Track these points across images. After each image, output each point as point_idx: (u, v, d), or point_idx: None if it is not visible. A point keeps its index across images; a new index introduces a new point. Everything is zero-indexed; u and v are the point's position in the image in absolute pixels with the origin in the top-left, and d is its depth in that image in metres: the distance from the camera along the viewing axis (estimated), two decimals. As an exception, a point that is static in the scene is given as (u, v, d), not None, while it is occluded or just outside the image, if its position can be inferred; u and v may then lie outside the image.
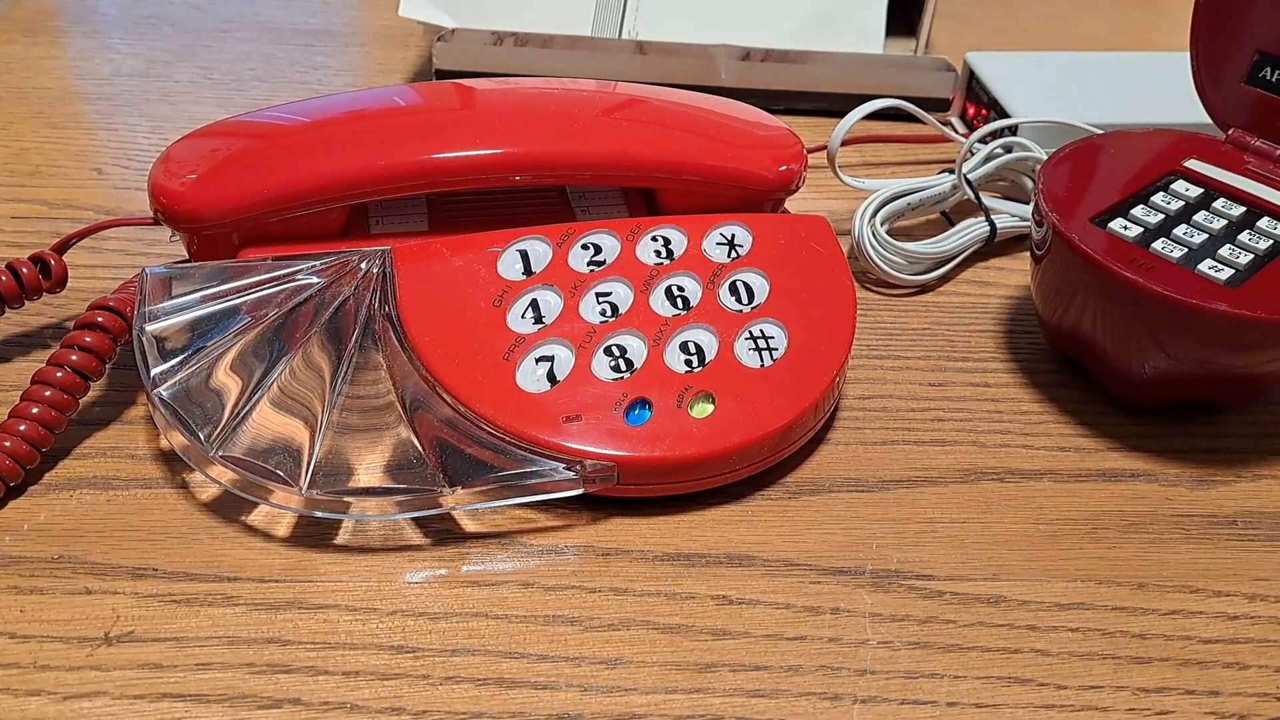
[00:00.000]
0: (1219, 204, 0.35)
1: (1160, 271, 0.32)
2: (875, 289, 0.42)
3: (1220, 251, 0.33)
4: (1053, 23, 0.67)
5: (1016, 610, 0.29)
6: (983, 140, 0.45)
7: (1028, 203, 0.44)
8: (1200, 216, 0.35)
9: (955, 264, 0.42)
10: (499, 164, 0.35)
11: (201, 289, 0.33)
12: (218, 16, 0.61)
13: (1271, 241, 0.33)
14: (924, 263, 0.41)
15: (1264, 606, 0.30)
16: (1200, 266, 0.32)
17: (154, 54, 0.57)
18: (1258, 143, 0.37)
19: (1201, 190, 0.36)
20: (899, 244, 0.40)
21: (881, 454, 0.34)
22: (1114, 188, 0.36)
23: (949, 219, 0.43)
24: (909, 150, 0.51)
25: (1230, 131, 0.38)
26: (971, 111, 0.53)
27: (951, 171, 0.42)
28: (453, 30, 0.52)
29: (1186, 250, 0.33)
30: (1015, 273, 0.43)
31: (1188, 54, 0.38)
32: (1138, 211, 0.35)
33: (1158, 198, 0.35)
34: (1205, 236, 0.34)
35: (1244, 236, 0.34)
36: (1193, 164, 0.36)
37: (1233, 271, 0.32)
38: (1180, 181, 0.36)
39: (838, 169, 0.43)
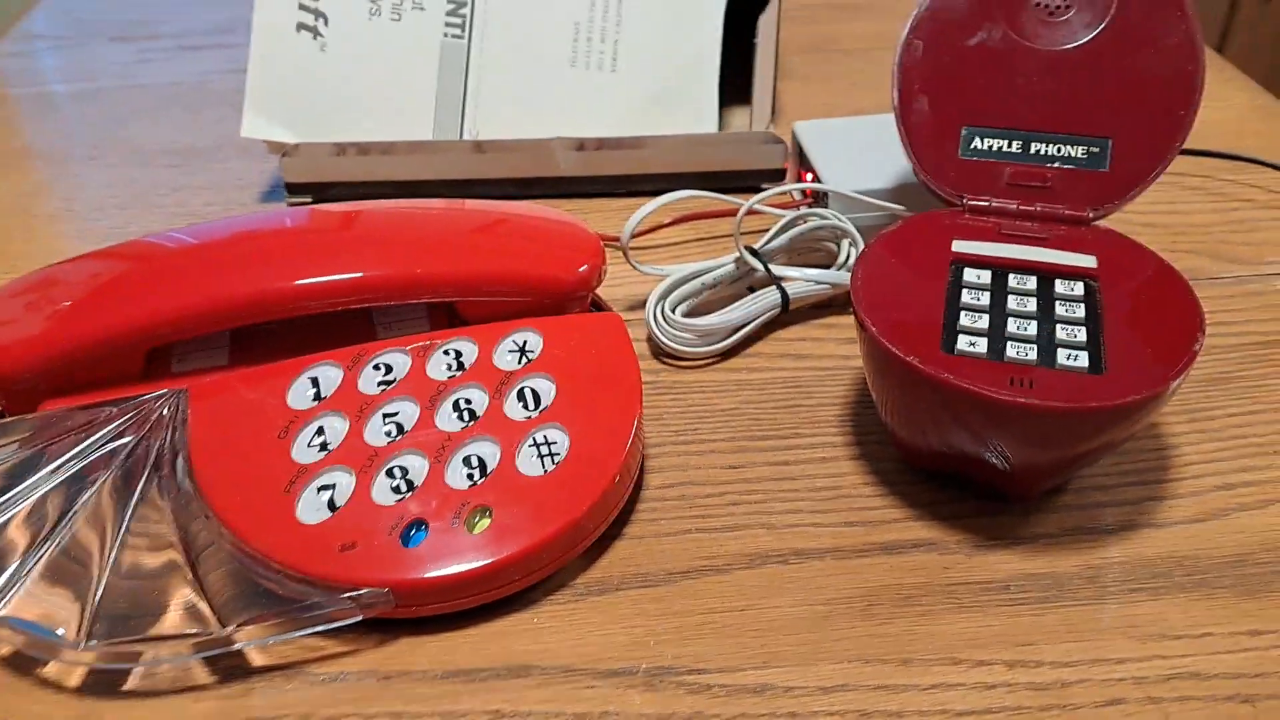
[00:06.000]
0: (1013, 282, 0.36)
1: (1040, 384, 0.31)
2: (689, 369, 0.43)
3: (1059, 336, 0.33)
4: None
5: (780, 698, 0.30)
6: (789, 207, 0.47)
7: (829, 266, 0.45)
8: (1012, 303, 0.35)
9: (749, 331, 0.43)
10: (283, 297, 0.36)
11: (-5, 448, 0.34)
12: (86, 143, 0.63)
13: (1081, 305, 0.35)
14: (715, 335, 0.42)
15: (1022, 673, 0.31)
16: (1060, 361, 0.32)
17: (20, 188, 0.58)
18: (995, 203, 0.39)
19: (989, 272, 0.36)
20: (685, 320, 0.41)
21: (673, 545, 0.35)
22: (924, 299, 0.35)
23: (752, 291, 0.45)
24: (749, 221, 0.53)
25: (965, 200, 0.39)
26: (809, 178, 0.54)
27: (747, 247, 0.44)
28: (296, 145, 0.54)
29: (1035, 348, 0.33)
30: (829, 342, 0.44)
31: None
32: (965, 321, 0.34)
33: (966, 297, 0.35)
34: (1035, 324, 0.34)
35: (1060, 310, 0.34)
36: (959, 246, 0.37)
37: (1085, 354, 0.32)
38: (967, 270, 0.37)
39: (631, 259, 0.44)
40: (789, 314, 0.45)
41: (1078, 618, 0.32)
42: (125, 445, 0.34)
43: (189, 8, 0.82)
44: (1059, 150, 0.39)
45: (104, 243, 0.52)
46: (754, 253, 0.44)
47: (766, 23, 0.55)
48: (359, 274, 0.37)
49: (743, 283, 0.44)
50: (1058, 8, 0.39)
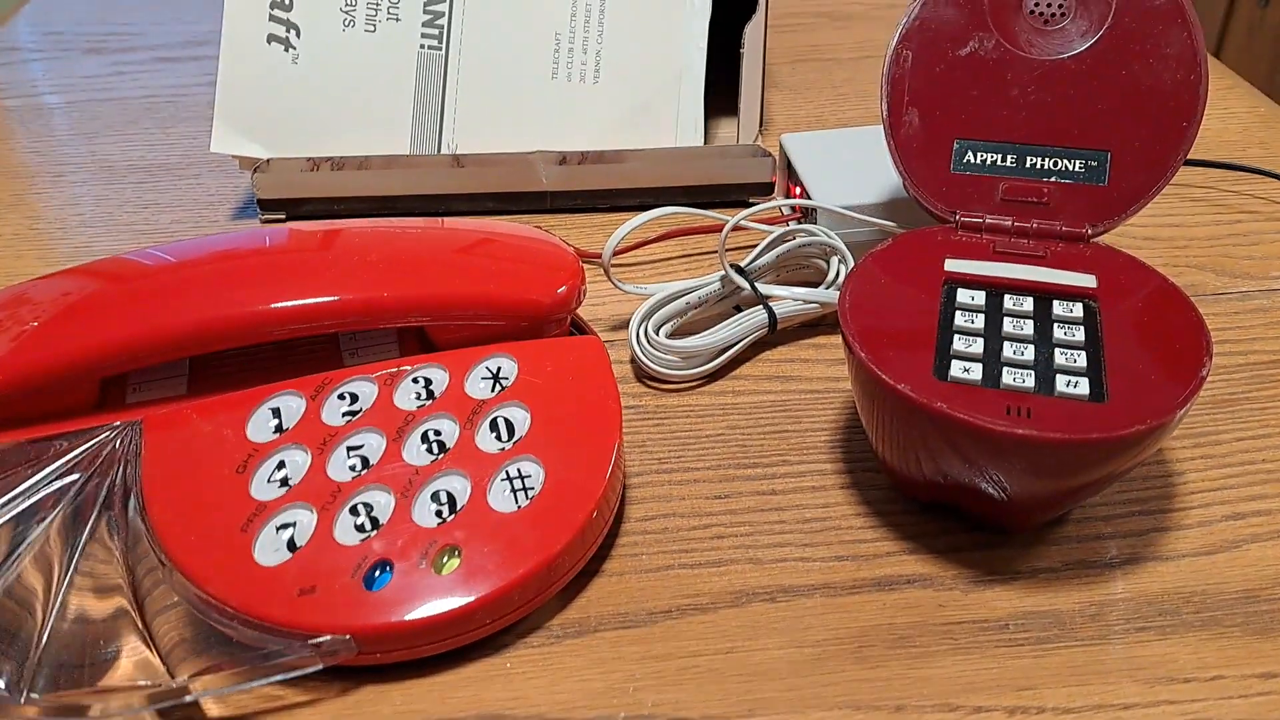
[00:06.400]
0: (1009, 303, 0.34)
1: (1038, 413, 0.30)
2: (674, 393, 0.41)
3: (1058, 361, 0.32)
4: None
5: (766, 750, 0.28)
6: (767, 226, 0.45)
7: (818, 284, 0.44)
8: (1008, 326, 0.33)
9: (735, 352, 0.41)
10: (242, 324, 0.34)
11: (-65, 486, 0.32)
12: (55, 159, 0.61)
13: (1080, 328, 0.33)
14: (700, 357, 0.40)
15: (1023, 720, 0.29)
16: (1060, 389, 0.31)
17: (-16, 206, 0.56)
18: (989, 220, 0.37)
19: (983, 293, 0.35)
20: (669, 342, 0.40)
21: (654, 582, 0.33)
22: (916, 322, 0.33)
23: (739, 310, 0.43)
24: (738, 236, 0.51)
25: (957, 217, 0.37)
26: (798, 192, 0.53)
27: (735, 264, 0.42)
28: (268, 160, 0.52)
29: (1033, 374, 0.31)
30: (818, 363, 0.42)
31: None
32: (959, 345, 0.32)
33: (960, 320, 0.34)
34: (1032, 348, 0.32)
35: (1059, 333, 0.33)
36: (952, 266, 0.36)
37: (1086, 380, 0.31)
38: (960, 290, 0.35)
39: (613, 278, 0.43)
40: (777, 334, 0.43)
41: (1081, 659, 0.30)
42: (75, 482, 0.32)
43: (169, 19, 0.80)
44: (1055, 164, 0.37)
45: (67, 264, 0.50)
46: (740, 271, 0.42)
47: (753, 32, 0.53)
48: (322, 299, 0.35)
49: (729, 301, 0.43)
50: (1052, 15, 0.38)
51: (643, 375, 0.42)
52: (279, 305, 0.34)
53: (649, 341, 0.40)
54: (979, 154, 0.38)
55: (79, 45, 0.76)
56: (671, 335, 0.42)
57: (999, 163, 0.38)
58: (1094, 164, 0.37)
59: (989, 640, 0.31)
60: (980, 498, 0.32)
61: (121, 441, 0.33)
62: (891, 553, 0.34)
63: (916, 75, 0.39)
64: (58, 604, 0.30)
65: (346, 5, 0.53)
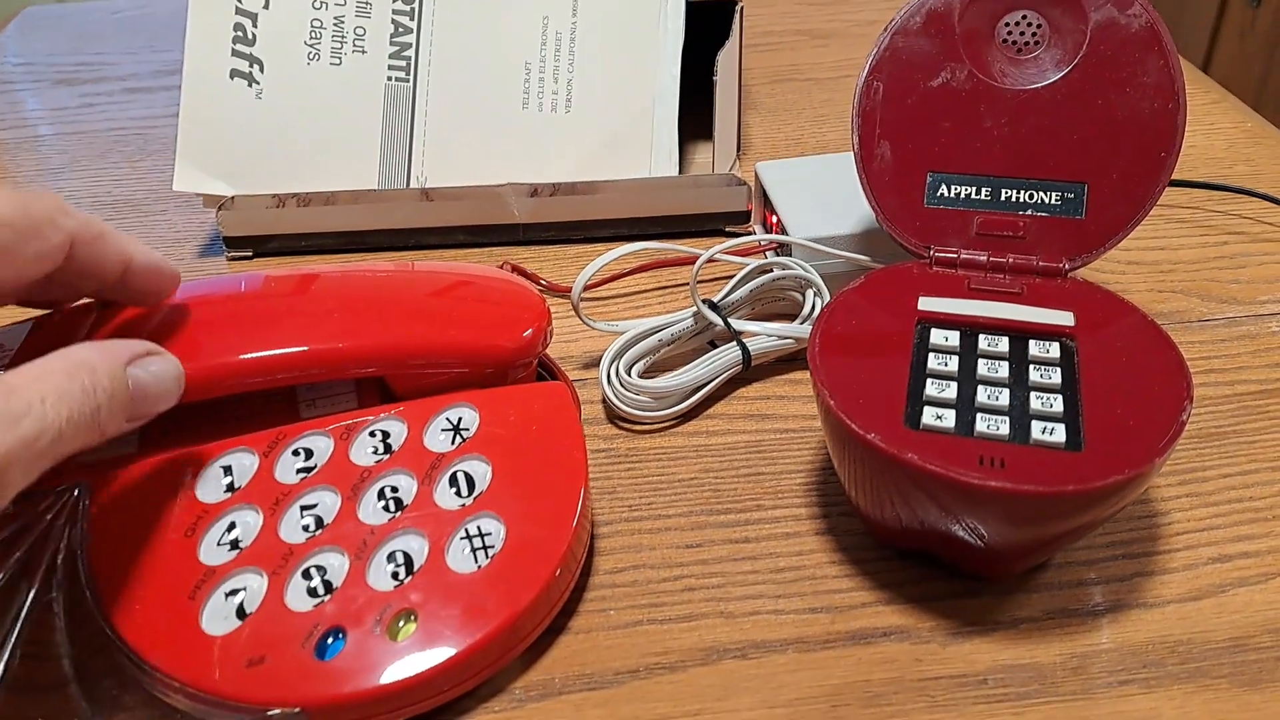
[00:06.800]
0: (984, 344, 0.33)
1: (1012, 464, 0.28)
2: (646, 434, 0.40)
3: (1033, 406, 0.31)
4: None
5: (735, 823, 0.27)
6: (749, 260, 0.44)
7: (794, 316, 0.43)
8: (983, 368, 0.32)
9: (709, 390, 0.40)
10: (196, 381, 0.33)
11: None
12: (22, 197, 0.60)
13: (1057, 369, 0.32)
14: (672, 397, 0.39)
15: (1002, 786, 0.28)
16: (1035, 436, 0.30)
17: (-52, 247, 0.55)
18: (963, 255, 0.36)
19: (957, 333, 0.34)
20: (641, 382, 0.39)
21: (622, 640, 0.32)
22: (888, 365, 0.32)
23: (714, 346, 0.42)
24: (711, 267, 0.50)
25: (932, 252, 0.36)
26: (775, 220, 0.52)
27: (708, 300, 0.41)
28: (233, 198, 0.51)
29: (1008, 420, 0.30)
30: (794, 400, 0.41)
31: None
32: (932, 390, 0.31)
33: (933, 363, 0.33)
34: (1006, 393, 0.31)
35: (1034, 375, 0.32)
36: (926, 304, 0.35)
37: (1062, 426, 0.30)
38: (934, 331, 0.34)
39: (584, 317, 0.41)
40: (751, 370, 0.42)
41: (1063, 716, 0.29)
42: (19, 547, 0.31)
43: (142, 48, 0.79)
44: (1031, 197, 0.36)
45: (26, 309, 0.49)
46: (713, 306, 0.41)
47: (727, 60, 0.52)
48: (275, 352, 0.34)
49: (703, 337, 0.42)
50: (1026, 44, 0.37)
51: (614, 416, 0.41)
52: (232, 360, 0.33)
53: (620, 382, 0.39)
54: (953, 187, 0.37)
55: (49, 76, 0.75)
56: (644, 373, 0.41)
57: (973, 196, 0.37)
58: (1070, 196, 0.36)
59: (966, 697, 0.30)
60: (957, 545, 0.31)
61: (68, 505, 0.32)
62: (867, 603, 0.33)
63: (888, 107, 0.38)
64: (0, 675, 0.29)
65: (311, 39, 0.52)
